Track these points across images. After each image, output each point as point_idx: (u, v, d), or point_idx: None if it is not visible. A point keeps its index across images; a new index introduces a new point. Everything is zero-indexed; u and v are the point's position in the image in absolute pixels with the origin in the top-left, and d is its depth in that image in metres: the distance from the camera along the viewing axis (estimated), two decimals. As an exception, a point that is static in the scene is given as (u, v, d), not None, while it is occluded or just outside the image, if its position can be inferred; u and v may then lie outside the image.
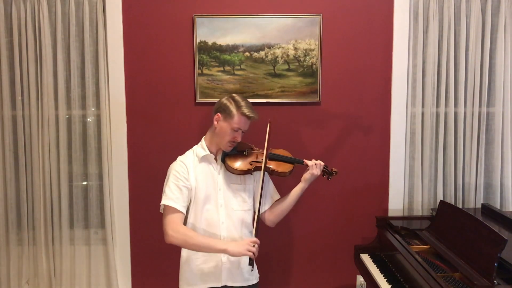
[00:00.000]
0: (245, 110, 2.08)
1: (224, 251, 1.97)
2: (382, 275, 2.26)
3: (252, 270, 2.07)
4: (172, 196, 2.04)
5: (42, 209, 2.70)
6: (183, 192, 2.06)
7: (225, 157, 2.16)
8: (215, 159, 2.17)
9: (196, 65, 2.66)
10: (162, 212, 2.08)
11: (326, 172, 2.24)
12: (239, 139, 2.13)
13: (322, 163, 2.20)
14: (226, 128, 2.09)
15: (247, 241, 1.98)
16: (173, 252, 2.74)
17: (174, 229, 1.99)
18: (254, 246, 1.96)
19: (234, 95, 2.16)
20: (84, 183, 2.77)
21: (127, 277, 2.81)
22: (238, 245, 1.97)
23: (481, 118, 2.71)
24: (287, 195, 2.22)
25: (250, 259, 1.98)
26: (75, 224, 2.74)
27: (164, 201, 2.04)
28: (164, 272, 2.82)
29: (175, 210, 2.02)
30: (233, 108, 2.08)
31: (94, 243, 2.78)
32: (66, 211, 2.72)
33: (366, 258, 2.48)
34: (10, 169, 2.70)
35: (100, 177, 2.74)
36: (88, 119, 2.70)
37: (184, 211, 2.07)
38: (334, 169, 2.27)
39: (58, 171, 2.69)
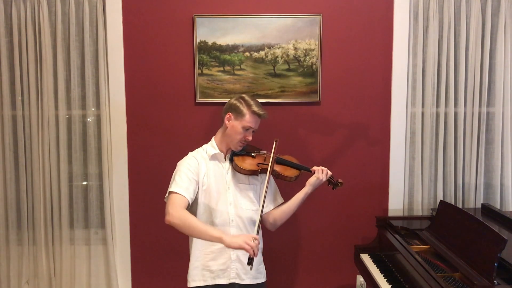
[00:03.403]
0: (256, 108, 2.12)
1: (219, 239, 1.86)
2: (382, 275, 2.26)
3: (251, 269, 1.98)
4: (181, 184, 2.02)
5: (42, 209, 2.70)
6: (192, 183, 2.06)
7: (233, 156, 2.19)
8: (224, 158, 2.19)
9: (196, 65, 2.66)
10: (166, 200, 2.07)
11: (331, 182, 2.28)
12: (250, 139, 2.16)
13: (330, 172, 2.24)
14: (238, 127, 2.12)
15: (246, 235, 1.92)
16: (173, 251, 2.75)
17: (174, 209, 1.94)
18: (253, 241, 1.85)
19: (243, 95, 2.21)
20: (84, 183, 2.77)
21: (127, 277, 2.81)
22: (236, 237, 1.90)
23: (481, 118, 2.71)
24: (290, 200, 2.24)
25: (249, 258, 1.86)
26: (75, 224, 2.74)
27: (174, 188, 2.01)
28: (164, 272, 2.82)
29: (181, 196, 2.00)
30: (243, 108, 2.12)
31: (94, 243, 2.78)
32: (66, 211, 2.72)
33: (366, 258, 2.48)
34: (10, 169, 2.70)
35: (100, 177, 2.74)
36: (88, 119, 2.70)
37: (190, 201, 2.04)
38: (340, 180, 2.29)
39: (58, 171, 2.69)
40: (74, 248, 2.76)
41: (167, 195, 2.07)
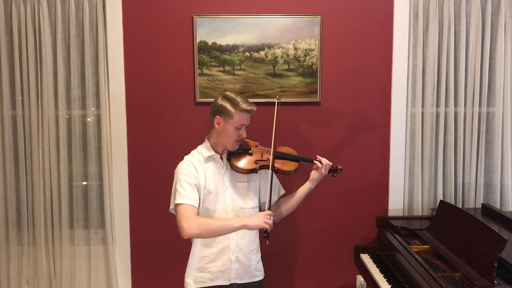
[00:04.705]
0: (243, 105, 2.07)
1: (243, 227, 1.97)
2: (382, 275, 2.26)
3: (267, 243, 2.04)
4: (186, 194, 2.02)
5: (42, 209, 2.70)
6: (195, 189, 2.06)
7: (230, 156, 2.17)
8: (221, 158, 2.18)
9: (196, 65, 2.66)
10: (172, 211, 2.07)
11: (331, 169, 2.26)
12: (245, 135, 2.14)
13: (330, 163, 2.22)
14: (230, 129, 2.09)
15: (262, 214, 2.00)
16: (173, 251, 2.75)
17: (188, 221, 1.95)
18: (270, 218, 1.98)
19: (227, 93, 2.15)
20: (84, 183, 2.77)
21: (127, 277, 2.81)
22: (256, 219, 1.98)
23: (481, 118, 2.71)
24: (294, 193, 2.25)
25: (266, 232, 1.99)
26: (75, 224, 2.74)
27: (179, 200, 2.01)
28: (164, 272, 2.82)
29: (189, 206, 2.00)
30: (230, 107, 2.08)
31: (94, 243, 2.78)
32: (66, 211, 2.72)
33: (366, 258, 2.49)
34: (10, 169, 2.70)
35: (100, 177, 2.74)
36: (88, 119, 2.70)
37: (197, 206, 2.05)
38: (339, 166, 2.28)
39: (58, 171, 2.69)
40: (74, 248, 2.76)
41: (172, 207, 2.06)
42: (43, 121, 2.66)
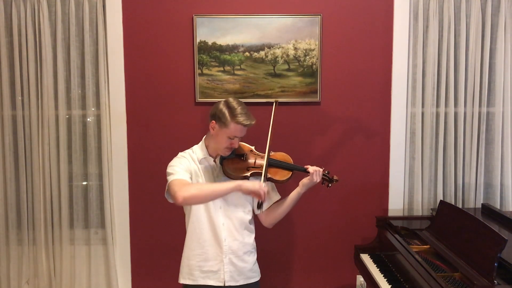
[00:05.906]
0: (240, 118, 2.02)
1: (237, 187, 1.92)
2: (382, 275, 2.26)
3: (261, 212, 2.18)
4: (178, 172, 2.01)
5: (42, 209, 2.70)
6: (187, 172, 2.05)
7: (223, 160, 2.14)
8: (214, 161, 2.17)
9: (196, 65, 2.66)
10: (167, 197, 2.05)
11: (326, 179, 2.20)
12: (236, 146, 2.11)
13: (320, 169, 2.15)
14: (222, 136, 2.06)
15: (259, 182, 1.98)
16: (173, 252, 2.74)
17: (181, 187, 1.91)
18: (264, 186, 1.96)
19: (230, 100, 2.09)
20: (84, 183, 2.77)
21: (127, 277, 2.81)
22: (252, 183, 1.96)
23: (481, 118, 2.71)
24: (285, 199, 2.22)
25: (260, 203, 2.07)
26: (75, 224, 2.74)
27: (171, 178, 1.98)
28: (164, 272, 2.82)
29: (182, 178, 1.98)
30: (228, 116, 2.03)
31: (94, 243, 2.78)
32: (66, 211, 2.72)
33: (366, 258, 2.49)
34: (10, 169, 2.70)
35: (100, 177, 2.74)
36: (88, 119, 2.70)
37: (190, 181, 2.03)
38: (335, 177, 2.22)
39: (58, 171, 2.69)
40: (74, 248, 2.76)
41: (166, 188, 2.03)
42: (43, 121, 2.66)
